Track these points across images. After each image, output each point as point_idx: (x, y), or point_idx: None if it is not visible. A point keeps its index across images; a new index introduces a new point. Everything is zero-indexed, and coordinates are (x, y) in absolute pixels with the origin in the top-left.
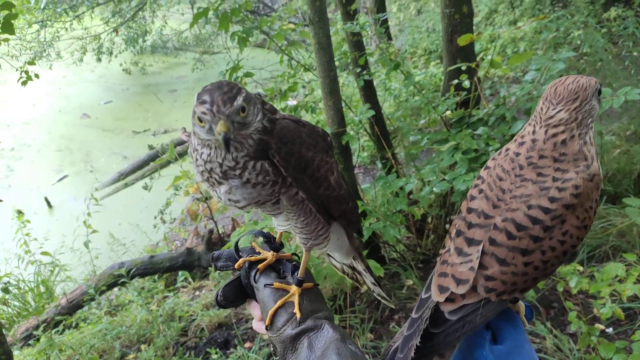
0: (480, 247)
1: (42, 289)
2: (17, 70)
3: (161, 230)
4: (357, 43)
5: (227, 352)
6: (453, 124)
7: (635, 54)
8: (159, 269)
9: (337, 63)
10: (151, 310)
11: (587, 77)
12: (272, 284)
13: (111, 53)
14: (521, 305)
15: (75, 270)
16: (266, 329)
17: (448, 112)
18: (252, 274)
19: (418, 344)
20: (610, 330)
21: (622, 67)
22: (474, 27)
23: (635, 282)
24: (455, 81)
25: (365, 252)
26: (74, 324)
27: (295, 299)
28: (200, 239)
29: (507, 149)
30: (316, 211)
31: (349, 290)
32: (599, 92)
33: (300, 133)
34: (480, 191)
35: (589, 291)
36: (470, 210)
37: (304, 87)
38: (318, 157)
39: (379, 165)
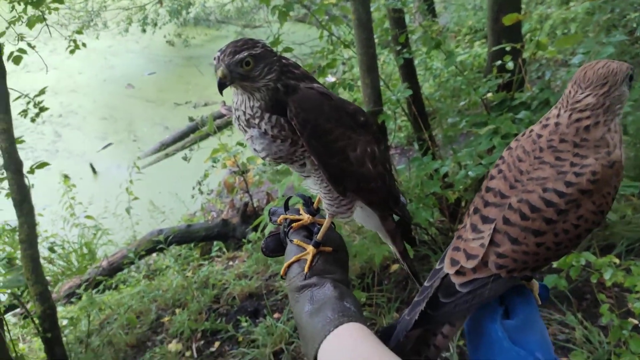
0: (493, 225)
1: (85, 250)
2: (65, 39)
3: (199, 200)
4: (398, 20)
5: (257, 321)
6: (494, 107)
7: None
8: (195, 238)
9: (377, 40)
10: (186, 276)
11: (619, 62)
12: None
13: (155, 24)
14: (535, 283)
15: (117, 234)
16: (282, 278)
17: (489, 95)
18: (287, 230)
19: (429, 312)
20: None
21: None
22: (523, 6)
23: None
24: (499, 62)
25: None
26: (113, 285)
27: (309, 257)
28: (236, 211)
29: (531, 130)
30: (326, 178)
31: (377, 269)
32: (631, 78)
33: (322, 104)
34: (500, 171)
35: (624, 284)
36: (488, 189)
37: (343, 63)
38: (339, 130)
39: (416, 146)
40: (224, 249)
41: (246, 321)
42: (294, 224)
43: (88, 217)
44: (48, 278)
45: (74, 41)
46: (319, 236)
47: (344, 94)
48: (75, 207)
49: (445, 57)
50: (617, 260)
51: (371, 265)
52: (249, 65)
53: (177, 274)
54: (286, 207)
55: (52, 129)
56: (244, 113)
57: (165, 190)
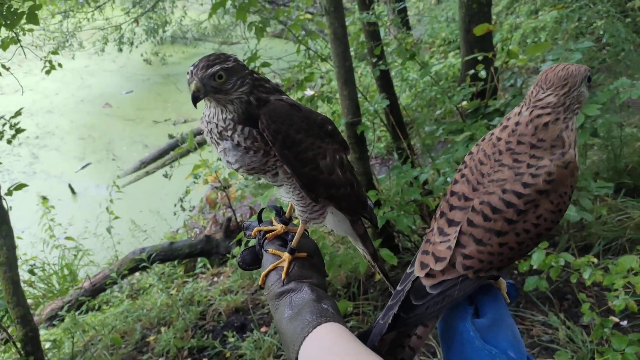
0: (459, 228)
1: (66, 272)
2: (41, 59)
3: (181, 217)
4: (373, 33)
5: (244, 335)
6: (469, 115)
7: None
8: (178, 255)
9: (354, 53)
10: (171, 294)
11: (577, 65)
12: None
13: (132, 43)
14: (502, 282)
15: (98, 255)
16: (261, 287)
17: (464, 103)
18: (261, 241)
19: (402, 315)
20: (624, 323)
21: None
22: (494, 17)
23: None
24: (472, 71)
25: (379, 241)
26: (97, 306)
27: (285, 264)
28: (219, 226)
29: (492, 133)
30: (300, 186)
31: (362, 278)
32: (589, 80)
33: (292, 115)
34: (462, 175)
35: (603, 283)
36: (452, 193)
37: (321, 77)
38: (308, 140)
39: (395, 155)
40: (208, 265)
41: (233, 336)
42: (268, 235)
43: (68, 238)
44: (29, 301)
45: (50, 62)
46: (293, 243)
47: (324, 107)
48: (54, 228)
49: (420, 67)
50: (595, 260)
51: (356, 275)
52: (222, 79)
53: (161, 292)
54: (259, 220)
55: (28, 151)
56: (217, 126)
57: (146, 209)
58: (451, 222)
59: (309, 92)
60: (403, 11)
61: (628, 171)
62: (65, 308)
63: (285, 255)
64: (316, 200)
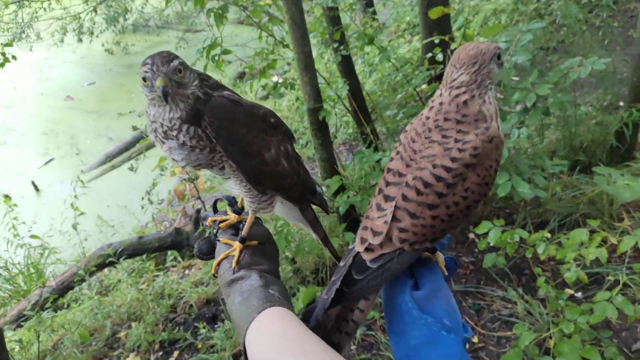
0: (394, 203)
1: (33, 271)
2: None
3: (149, 211)
4: (333, 18)
5: (215, 326)
6: (428, 98)
7: (615, 24)
8: (148, 249)
9: (320, 39)
10: (141, 289)
11: (487, 43)
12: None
13: (92, 33)
14: (440, 256)
15: (65, 252)
16: (214, 275)
17: (424, 86)
18: (215, 231)
19: (344, 289)
20: (579, 294)
21: (596, 37)
22: (457, 0)
23: (598, 247)
24: (429, 55)
25: (343, 226)
26: (66, 305)
27: (236, 253)
28: (188, 218)
29: (422, 114)
30: (246, 180)
31: (330, 263)
32: (499, 57)
33: (234, 111)
34: (397, 152)
35: (556, 257)
36: (388, 170)
37: (289, 64)
38: (252, 134)
39: (361, 140)
40: (179, 258)
41: (204, 327)
42: (221, 225)
43: (33, 236)
44: None
45: (3, 54)
46: (243, 232)
47: (288, 93)
48: (18, 227)
49: (379, 52)
50: (549, 235)
51: (324, 260)
52: (181, 73)
53: (130, 287)
54: (215, 210)
55: None
56: (161, 125)
57: (113, 204)
58: (387, 198)
59: (275, 79)
60: None
61: (583, 149)
62: (29, 307)
63: (236, 245)
64: (263, 192)
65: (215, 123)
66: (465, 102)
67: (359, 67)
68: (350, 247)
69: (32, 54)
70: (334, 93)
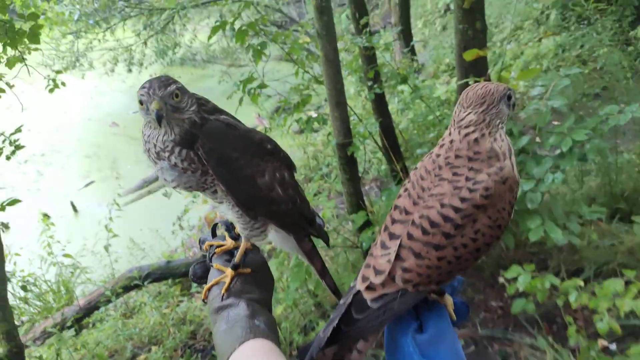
0: (399, 241)
1: (63, 289)
2: (44, 78)
3: (179, 236)
4: (369, 57)
5: None
6: None
7: None
8: (175, 274)
9: (358, 77)
10: (164, 313)
11: (497, 83)
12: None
13: (142, 64)
14: (449, 299)
15: (96, 272)
16: (203, 301)
17: None
18: (211, 256)
19: (343, 328)
20: (613, 346)
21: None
22: (498, 44)
23: (634, 298)
24: None
25: None
26: (91, 325)
27: (227, 280)
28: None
29: (432, 152)
30: (235, 203)
31: None
32: (509, 98)
33: (228, 134)
34: (405, 189)
35: (589, 306)
36: (395, 207)
37: (326, 100)
38: (245, 158)
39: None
40: (204, 285)
41: None
42: (217, 250)
43: (66, 255)
44: (24, 318)
45: (54, 80)
46: (236, 259)
47: (322, 128)
48: (53, 245)
49: (411, 91)
50: (582, 283)
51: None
52: (178, 97)
53: (154, 311)
54: (213, 234)
55: (34, 168)
56: (155, 146)
57: (146, 227)
58: (392, 236)
59: (314, 114)
60: (408, 38)
61: (624, 197)
62: (58, 327)
63: (228, 271)
64: (254, 218)
65: (207, 145)
66: (476, 140)
67: (394, 105)
68: (352, 285)
69: (84, 81)
70: (363, 129)
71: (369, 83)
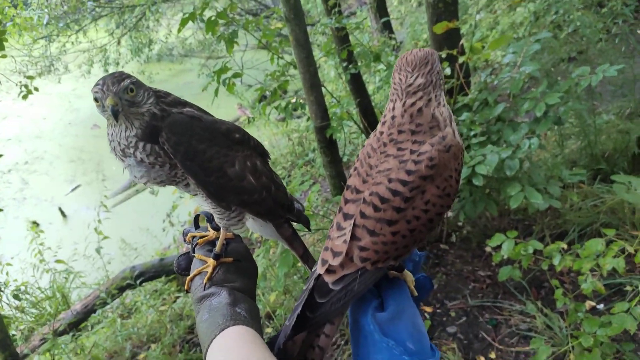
0: (353, 221)
1: (58, 295)
2: (16, 85)
3: (170, 233)
4: (341, 37)
5: None
6: None
7: (637, 32)
8: (169, 271)
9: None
10: (161, 310)
11: (427, 48)
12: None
13: (118, 64)
14: (408, 274)
15: (90, 276)
16: (186, 291)
17: None
18: (194, 247)
19: (308, 314)
20: (601, 306)
21: (616, 46)
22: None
23: (615, 256)
24: None
25: None
26: (89, 328)
27: (209, 269)
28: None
29: (376, 130)
30: (207, 196)
31: None
32: (441, 61)
33: (193, 126)
34: (355, 169)
35: (573, 268)
36: (347, 187)
37: None
38: (212, 149)
39: None
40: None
41: None
42: (199, 240)
43: (58, 261)
44: (22, 327)
45: (26, 86)
46: (217, 249)
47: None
48: (44, 252)
49: (386, 68)
50: (565, 246)
51: None
52: (133, 92)
53: (151, 309)
54: (196, 225)
55: (18, 177)
56: (119, 143)
57: (136, 227)
58: (346, 216)
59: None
60: (385, 15)
61: (605, 158)
62: (49, 333)
63: (210, 261)
64: (228, 208)
65: (172, 139)
66: (420, 110)
67: (374, 85)
68: (313, 270)
69: (60, 85)
70: (339, 111)
71: (344, 64)
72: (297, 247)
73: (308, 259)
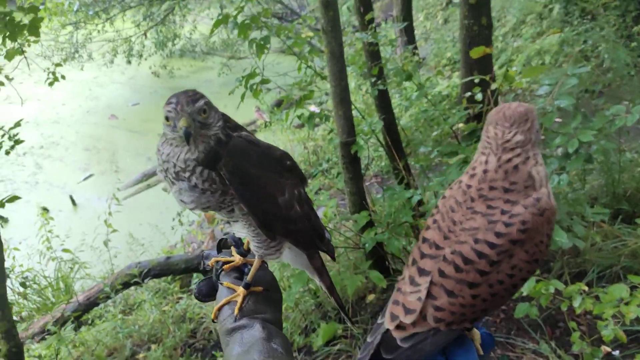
0: (429, 278)
1: (62, 285)
2: (44, 71)
3: (179, 232)
4: (373, 53)
5: None
6: (464, 137)
7: None
8: (174, 271)
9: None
10: (164, 310)
11: (524, 104)
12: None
13: (141, 56)
14: (476, 332)
15: (95, 268)
16: (213, 321)
17: (461, 125)
18: (218, 272)
19: None
20: (616, 353)
21: None
22: (500, 38)
23: (639, 305)
24: (469, 93)
25: (369, 263)
26: (90, 321)
27: (239, 299)
28: (216, 242)
29: (460, 181)
30: (257, 225)
31: (352, 300)
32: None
33: (250, 152)
34: (434, 221)
35: (593, 312)
36: (424, 240)
37: (327, 93)
38: (267, 176)
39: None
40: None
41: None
42: (225, 266)
43: (65, 250)
44: (24, 314)
45: (53, 73)
46: (248, 277)
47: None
48: (52, 240)
49: (417, 89)
50: (586, 288)
51: (346, 297)
52: (206, 113)
53: (154, 308)
54: (219, 250)
55: (33, 161)
56: (174, 165)
57: (145, 222)
58: (422, 272)
59: (315, 108)
60: (410, 32)
61: (627, 197)
62: (50, 322)
63: (240, 290)
64: (273, 238)
65: (230, 164)
66: (516, 167)
67: (395, 100)
68: (378, 321)
69: (82, 73)
70: (366, 127)
71: (372, 79)
72: (325, 279)
73: (333, 291)
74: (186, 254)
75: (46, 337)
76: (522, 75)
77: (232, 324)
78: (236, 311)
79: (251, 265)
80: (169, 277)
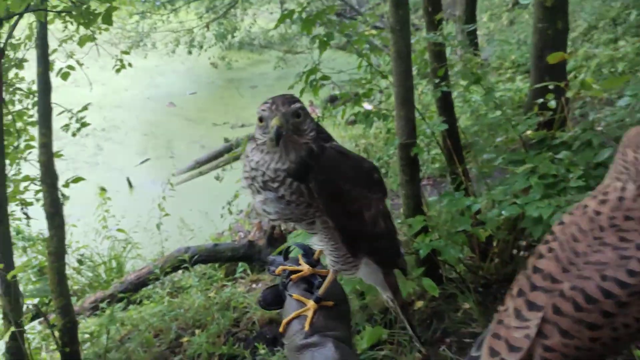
0: (542, 314)
1: (114, 263)
2: (112, 58)
3: (227, 220)
4: (438, 53)
5: (275, 349)
6: (532, 145)
7: None
8: (221, 258)
9: (417, 71)
10: (209, 296)
11: None
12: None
13: (201, 47)
14: None
15: (146, 249)
16: (280, 334)
17: (528, 132)
18: (285, 282)
19: None
20: None
21: None
22: (570, 43)
23: None
24: (540, 100)
25: (421, 269)
26: (138, 300)
27: (309, 314)
28: (263, 233)
29: (586, 206)
30: (341, 241)
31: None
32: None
33: (342, 165)
34: (550, 250)
35: None
36: (536, 270)
37: (380, 91)
38: (356, 190)
39: (449, 179)
40: (249, 271)
41: (264, 349)
42: (293, 276)
43: (120, 230)
44: (76, 288)
45: (121, 61)
46: (320, 291)
47: (377, 121)
48: (108, 219)
49: (485, 92)
50: None
51: None
52: (300, 118)
53: (199, 293)
54: (285, 257)
55: (94, 142)
56: (263, 174)
57: (196, 208)
58: (532, 305)
59: (368, 106)
60: (472, 32)
61: None
62: (101, 299)
63: (311, 304)
64: (355, 255)
65: (320, 177)
66: None
67: (456, 102)
68: (473, 354)
69: (146, 60)
70: (429, 130)
71: (436, 81)
72: (399, 297)
73: (407, 311)
74: (233, 243)
75: (97, 313)
76: (603, 84)
77: (301, 341)
78: (306, 327)
79: (320, 276)
80: (215, 265)
